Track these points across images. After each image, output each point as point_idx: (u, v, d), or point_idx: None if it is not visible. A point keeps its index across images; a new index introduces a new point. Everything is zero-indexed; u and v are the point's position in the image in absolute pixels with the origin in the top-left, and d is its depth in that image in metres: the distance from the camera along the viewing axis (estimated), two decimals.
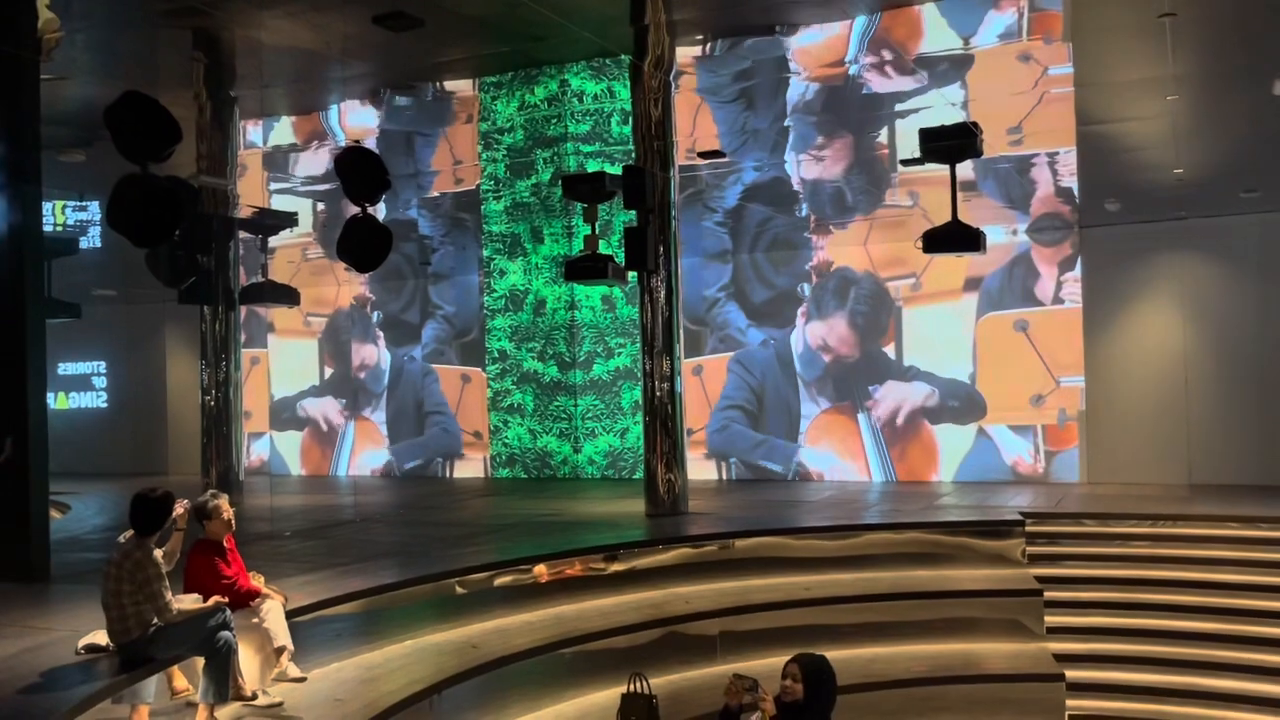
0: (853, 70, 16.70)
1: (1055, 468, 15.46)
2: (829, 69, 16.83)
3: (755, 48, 17.20)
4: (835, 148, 16.90)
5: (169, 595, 7.02)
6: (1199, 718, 10.36)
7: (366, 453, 20.57)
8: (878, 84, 16.60)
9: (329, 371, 21.04)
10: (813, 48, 16.96)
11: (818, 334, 17.03)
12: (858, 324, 16.77)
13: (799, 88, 17.11)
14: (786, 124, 17.19)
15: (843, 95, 16.83)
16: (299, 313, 20.51)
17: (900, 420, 16.43)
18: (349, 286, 20.53)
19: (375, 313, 20.54)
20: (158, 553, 7.12)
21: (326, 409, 21.03)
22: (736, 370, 17.51)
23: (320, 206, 21.00)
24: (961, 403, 16.05)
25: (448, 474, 19.79)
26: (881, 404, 16.55)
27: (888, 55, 16.46)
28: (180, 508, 7.48)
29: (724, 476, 17.56)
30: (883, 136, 16.64)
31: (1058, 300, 15.56)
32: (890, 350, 16.56)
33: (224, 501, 7.96)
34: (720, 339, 17.62)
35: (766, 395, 17.36)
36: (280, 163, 21.55)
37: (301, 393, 21.29)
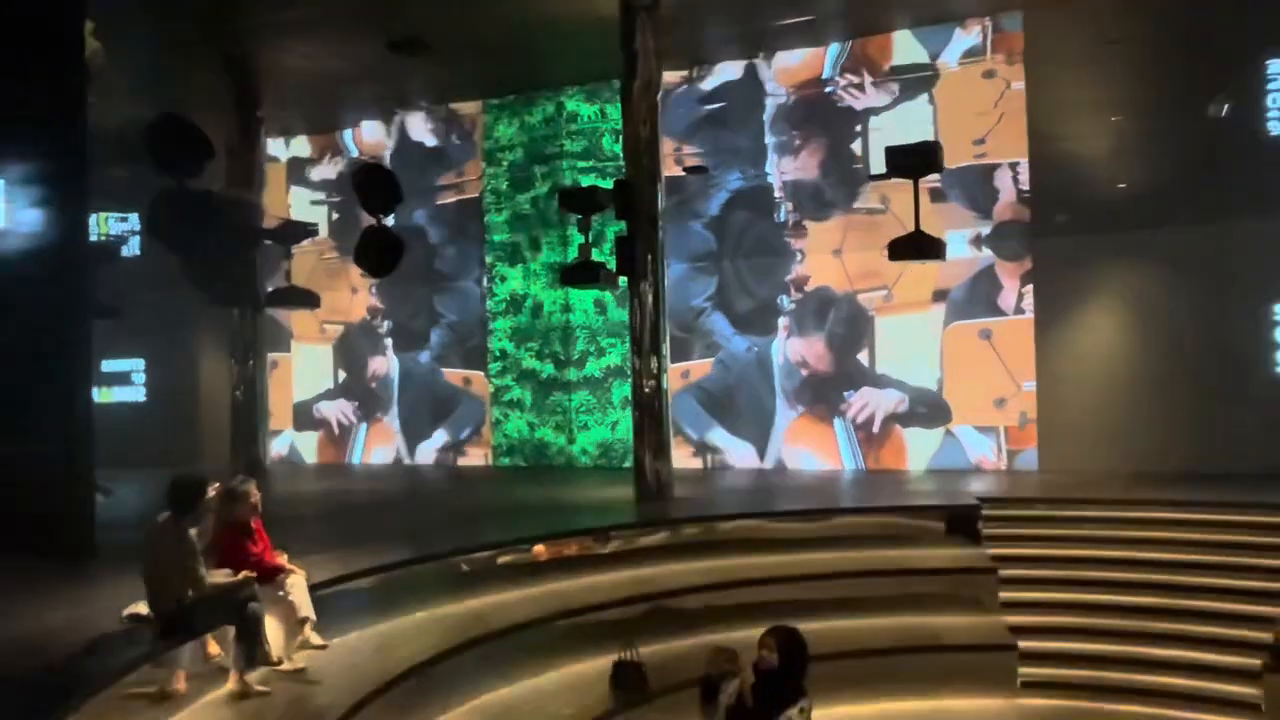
0: (829, 90, 16.81)
1: (1016, 466, 15.52)
2: (807, 89, 16.95)
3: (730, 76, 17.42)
4: (811, 149, 16.99)
5: (202, 570, 7.12)
6: (1140, 683, 10.41)
7: (379, 449, 20.64)
8: (851, 101, 16.70)
9: (342, 376, 21.11)
10: (791, 67, 17.08)
11: (797, 351, 17.08)
12: (835, 344, 16.83)
13: (776, 101, 17.20)
14: (766, 141, 17.30)
15: (819, 107, 16.92)
16: (315, 319, 20.57)
17: (875, 428, 16.49)
18: (362, 294, 20.58)
19: (385, 322, 20.59)
20: (192, 532, 7.23)
21: (339, 412, 21.09)
22: (718, 367, 17.61)
23: (335, 216, 21.05)
24: (929, 410, 16.13)
25: (452, 461, 19.89)
26: (855, 407, 16.60)
27: (861, 75, 16.57)
28: (211, 491, 7.59)
29: (707, 466, 17.67)
30: (856, 147, 16.71)
31: (1019, 310, 15.58)
32: (864, 357, 16.63)
33: (251, 486, 8.04)
34: (707, 346, 17.67)
35: (740, 393, 17.44)
36: (302, 175, 21.58)
37: (318, 395, 21.34)
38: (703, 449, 17.58)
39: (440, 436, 20.14)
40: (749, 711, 5.71)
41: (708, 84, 17.56)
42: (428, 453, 20.24)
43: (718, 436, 17.48)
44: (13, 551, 10.51)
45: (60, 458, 10.75)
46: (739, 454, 17.37)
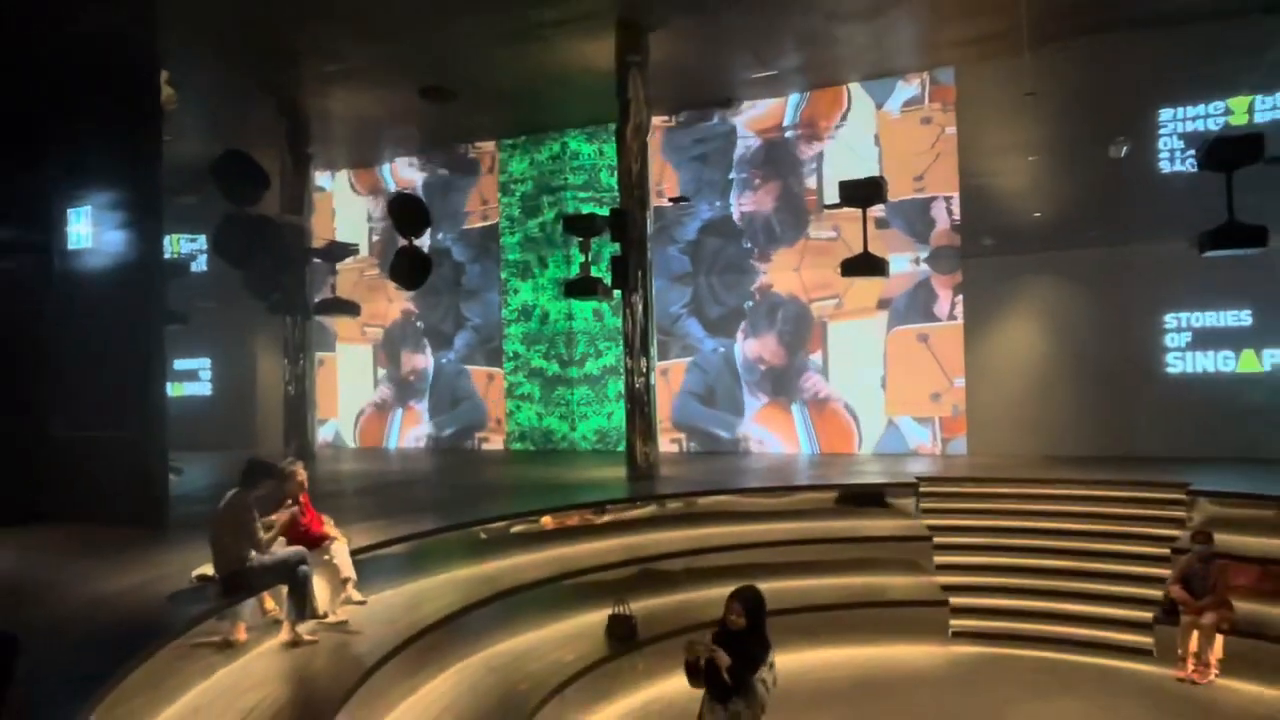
0: (789, 135, 16.82)
1: (949, 451, 15.50)
2: (769, 133, 16.94)
3: (709, 127, 17.33)
4: (768, 186, 16.93)
5: (261, 533, 7.15)
6: (1052, 633, 10.47)
7: (411, 430, 20.57)
8: (805, 146, 16.69)
9: (382, 372, 21.04)
10: (756, 115, 17.03)
11: (753, 349, 17.06)
12: (785, 341, 16.80)
13: (743, 145, 17.16)
14: (731, 177, 17.27)
15: (779, 150, 16.90)
16: (358, 324, 20.51)
17: (820, 395, 16.50)
18: (398, 302, 20.53)
19: (420, 323, 20.54)
20: (276, 515, 7.27)
21: (381, 395, 21.04)
22: (694, 371, 17.53)
23: (375, 238, 21.01)
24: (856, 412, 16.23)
25: (476, 446, 19.82)
26: (808, 386, 16.61)
27: (813, 127, 16.59)
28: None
29: (684, 450, 17.61)
30: (811, 183, 16.70)
31: (952, 317, 15.56)
32: (818, 357, 16.59)
33: (299, 467, 8.06)
34: (682, 347, 17.61)
35: (718, 389, 17.37)
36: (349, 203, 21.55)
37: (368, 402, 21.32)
38: (743, 440, 17.18)
39: (429, 426, 20.24)
40: (726, 683, 5.70)
41: (696, 127, 17.50)
42: (425, 438, 20.31)
43: (753, 430, 17.13)
44: (98, 521, 10.54)
45: (138, 442, 10.76)
46: (775, 440, 16.97)
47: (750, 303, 17.08)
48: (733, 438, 17.22)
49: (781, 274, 16.81)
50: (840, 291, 16.22)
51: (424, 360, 20.39)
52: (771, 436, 16.93)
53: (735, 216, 17.17)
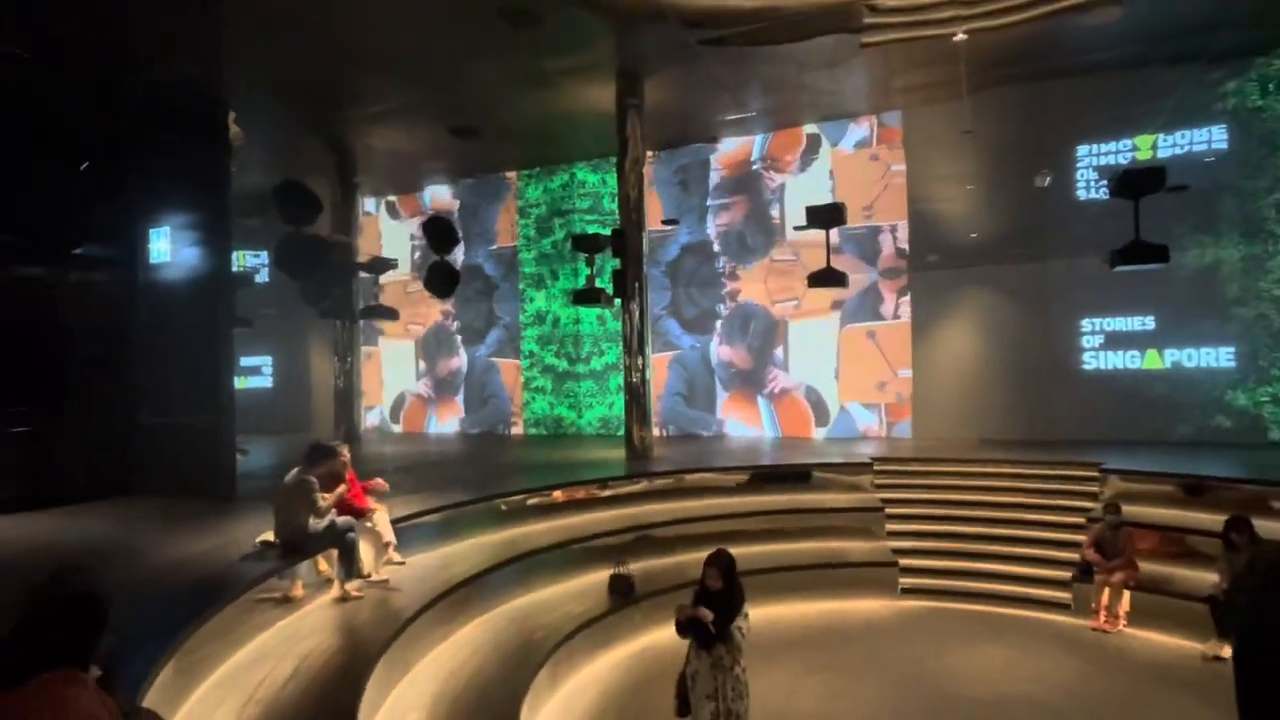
0: (755, 167, 16.80)
1: (894, 433, 15.51)
2: (739, 168, 16.91)
3: (689, 155, 17.31)
4: (738, 207, 16.87)
5: (322, 500, 7.17)
6: (985, 590, 10.50)
7: (448, 419, 20.50)
8: (769, 177, 16.64)
9: (422, 365, 20.98)
10: (728, 151, 16.99)
11: (726, 355, 16.99)
12: (754, 354, 16.73)
13: (717, 177, 17.10)
14: (708, 204, 17.22)
15: (747, 180, 16.86)
16: (402, 323, 20.45)
17: (778, 391, 16.45)
18: (437, 306, 20.43)
19: (455, 321, 20.45)
20: (328, 497, 7.27)
21: (420, 389, 20.96)
22: (675, 368, 17.46)
23: (416, 254, 20.97)
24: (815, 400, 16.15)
25: (502, 432, 19.77)
26: (770, 382, 16.57)
27: (777, 160, 16.55)
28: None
29: (664, 434, 17.44)
30: (774, 211, 16.63)
31: (896, 316, 15.56)
32: (780, 352, 16.56)
33: (344, 449, 8.01)
34: (663, 343, 17.52)
35: (697, 384, 17.33)
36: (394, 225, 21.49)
37: (407, 390, 21.19)
38: (719, 425, 17.09)
39: (463, 418, 20.15)
40: (709, 631, 5.73)
41: (678, 159, 17.45)
42: (458, 425, 20.20)
43: (730, 426, 17.02)
44: (178, 495, 10.54)
45: (211, 427, 10.77)
46: (743, 428, 16.88)
47: (721, 306, 17.03)
48: (711, 432, 17.14)
49: (750, 285, 16.77)
50: (799, 295, 16.21)
51: (459, 361, 20.33)
52: (740, 424, 16.91)
53: (711, 233, 17.09)
